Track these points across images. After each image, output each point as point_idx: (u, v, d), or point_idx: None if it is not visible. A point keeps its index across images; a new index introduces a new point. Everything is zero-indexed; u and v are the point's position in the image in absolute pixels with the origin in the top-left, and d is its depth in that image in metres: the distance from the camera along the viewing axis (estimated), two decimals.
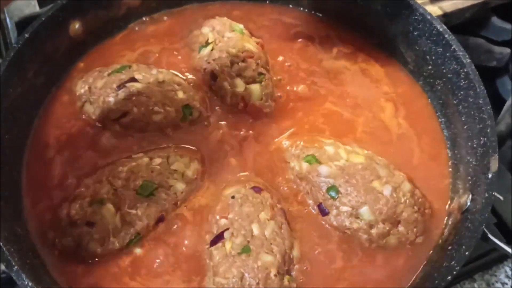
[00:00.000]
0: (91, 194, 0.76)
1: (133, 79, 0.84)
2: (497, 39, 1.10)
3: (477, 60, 0.83)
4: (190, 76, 0.92)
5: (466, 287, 0.84)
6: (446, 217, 0.77)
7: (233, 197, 0.78)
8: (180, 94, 0.86)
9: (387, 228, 0.75)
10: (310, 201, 0.80)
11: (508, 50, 1.08)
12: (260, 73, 0.88)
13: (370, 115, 0.89)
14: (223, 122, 0.87)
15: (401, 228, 0.75)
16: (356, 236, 0.76)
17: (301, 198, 0.81)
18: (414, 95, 0.92)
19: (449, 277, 0.61)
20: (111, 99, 0.83)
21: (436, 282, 0.62)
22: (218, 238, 0.74)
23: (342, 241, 0.76)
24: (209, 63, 0.89)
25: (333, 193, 0.77)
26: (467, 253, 0.63)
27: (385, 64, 0.96)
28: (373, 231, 0.75)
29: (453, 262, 0.63)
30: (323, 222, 0.78)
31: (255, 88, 0.87)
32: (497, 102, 1.04)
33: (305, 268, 0.74)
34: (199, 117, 0.87)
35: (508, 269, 0.87)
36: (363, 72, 0.95)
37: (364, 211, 0.75)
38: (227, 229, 0.74)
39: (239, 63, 0.87)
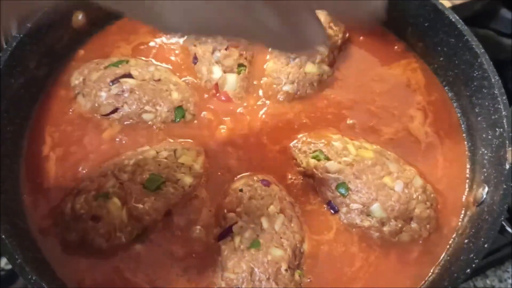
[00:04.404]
0: (96, 188, 0.74)
1: (128, 75, 0.82)
2: (507, 31, 1.08)
3: (487, 52, 0.81)
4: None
5: (479, 284, 0.82)
6: (462, 211, 0.75)
7: (241, 190, 0.76)
8: (175, 95, 0.84)
9: (400, 225, 0.73)
10: (319, 198, 0.78)
11: None
12: (241, 65, 0.87)
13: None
14: (226, 118, 0.85)
15: (414, 224, 0.73)
16: (367, 234, 0.74)
17: (310, 194, 0.78)
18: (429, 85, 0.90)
19: (468, 270, 0.59)
20: (103, 93, 0.82)
21: (455, 275, 0.60)
22: (226, 232, 0.72)
23: (354, 237, 0.75)
24: (194, 45, 0.89)
25: (342, 190, 0.75)
26: (486, 245, 0.61)
27: None
28: (385, 228, 0.73)
29: (472, 255, 0.61)
30: (334, 218, 0.76)
31: (231, 77, 0.86)
32: (507, 97, 1.02)
33: (315, 264, 0.72)
34: (193, 119, 0.85)
35: None
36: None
37: (376, 208, 0.73)
38: (236, 222, 0.72)
39: (221, 51, 0.86)
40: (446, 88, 0.88)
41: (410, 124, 0.84)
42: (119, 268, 0.71)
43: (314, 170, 0.77)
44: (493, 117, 0.75)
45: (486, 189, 0.70)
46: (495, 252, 0.82)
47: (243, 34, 0.43)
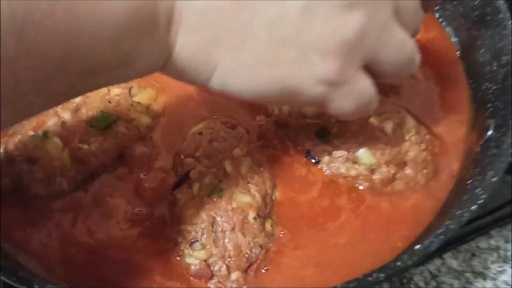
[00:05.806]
0: (34, 127, 0.63)
1: None
2: None
3: None
4: None
5: (482, 245, 0.72)
6: (464, 153, 0.65)
7: (200, 133, 0.65)
8: None
9: (392, 171, 0.62)
10: (298, 148, 0.66)
11: None
12: None
13: None
14: None
15: (408, 170, 0.62)
16: (355, 185, 0.63)
17: (286, 143, 0.67)
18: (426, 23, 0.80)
19: (475, 207, 0.48)
20: None
21: (458, 213, 0.49)
22: (182, 179, 0.61)
23: (341, 188, 0.64)
24: None
25: (322, 136, 0.64)
26: (495, 178, 0.51)
27: None
28: (376, 176, 0.62)
29: (478, 190, 0.50)
30: (316, 170, 0.65)
31: None
32: None
33: (291, 218, 0.61)
34: None
35: None
36: None
37: (362, 153, 0.62)
38: (193, 167, 0.61)
39: None
40: (443, 23, 0.77)
41: None
42: (57, 218, 0.60)
43: (288, 117, 0.66)
44: (497, 45, 0.65)
45: (493, 123, 0.60)
46: (500, 208, 0.72)
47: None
